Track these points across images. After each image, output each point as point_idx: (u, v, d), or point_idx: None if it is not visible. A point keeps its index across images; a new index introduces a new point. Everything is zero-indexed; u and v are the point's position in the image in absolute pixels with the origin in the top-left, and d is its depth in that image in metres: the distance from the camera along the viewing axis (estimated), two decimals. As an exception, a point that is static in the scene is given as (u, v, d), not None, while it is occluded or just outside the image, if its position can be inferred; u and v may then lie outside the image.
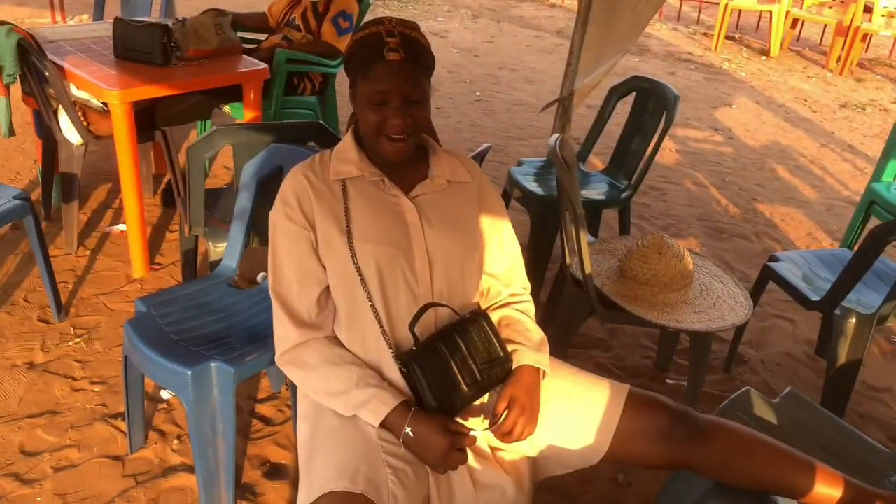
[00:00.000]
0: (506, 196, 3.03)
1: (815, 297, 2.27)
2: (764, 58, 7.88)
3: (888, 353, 2.82)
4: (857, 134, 5.63)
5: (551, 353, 1.55)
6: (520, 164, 3.19)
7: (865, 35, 7.60)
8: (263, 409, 2.22)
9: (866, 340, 2.17)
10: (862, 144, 5.39)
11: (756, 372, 2.63)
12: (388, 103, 1.37)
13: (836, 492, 1.41)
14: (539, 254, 2.86)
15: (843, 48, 7.56)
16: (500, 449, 1.46)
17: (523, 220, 2.98)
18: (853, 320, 2.17)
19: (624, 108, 3.17)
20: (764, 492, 1.47)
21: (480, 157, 2.23)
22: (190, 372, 1.64)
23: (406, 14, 8.25)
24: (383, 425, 1.35)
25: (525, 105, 5.50)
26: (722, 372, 2.60)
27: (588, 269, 2.09)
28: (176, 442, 2.07)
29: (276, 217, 1.45)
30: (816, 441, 1.65)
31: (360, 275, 1.39)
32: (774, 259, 2.52)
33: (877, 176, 3.19)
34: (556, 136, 2.33)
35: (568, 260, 2.28)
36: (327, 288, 1.44)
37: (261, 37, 3.74)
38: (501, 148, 4.55)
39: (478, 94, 5.70)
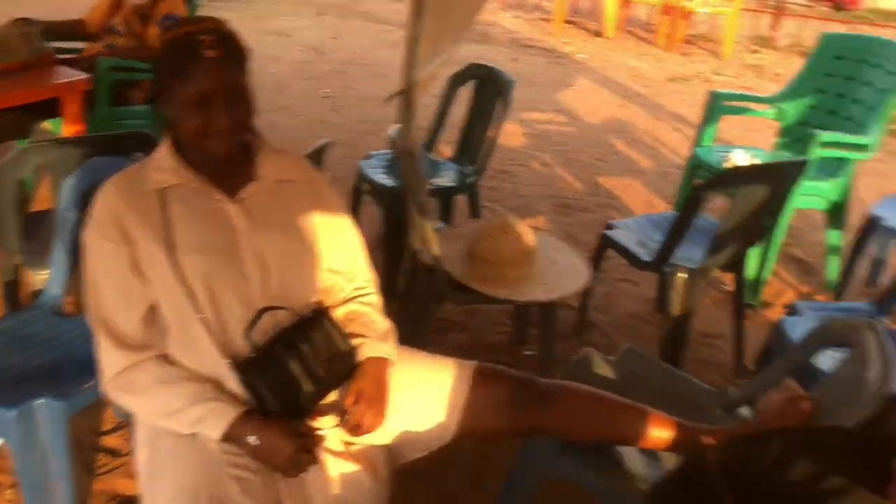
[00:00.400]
0: (357, 191, 3.02)
1: (647, 258, 2.43)
2: (600, 39, 8.31)
3: (719, 301, 3.06)
4: (685, 105, 6.06)
5: (409, 341, 1.57)
6: (368, 157, 3.19)
7: (688, 13, 8.19)
8: (109, 441, 2.09)
9: (696, 292, 2.35)
10: (689, 114, 5.81)
11: (605, 334, 2.78)
12: (210, 102, 1.33)
13: (669, 434, 1.52)
14: (394, 245, 2.87)
15: (669, 26, 8.12)
16: (352, 443, 1.46)
17: (377, 212, 2.99)
18: (682, 275, 2.34)
19: (469, 95, 3.24)
20: (608, 443, 1.57)
21: (318, 154, 2.21)
22: (13, 413, 1.51)
23: (245, 15, 8.02)
24: (226, 438, 1.32)
25: (375, 99, 5.50)
26: (574, 338, 2.73)
27: (436, 255, 2.12)
28: (9, 492, 1.90)
29: (90, 237, 1.37)
30: (653, 390, 1.76)
31: (187, 287, 1.34)
32: (611, 227, 2.67)
33: (699, 142, 3.45)
34: (395, 126, 2.35)
35: (417, 247, 2.31)
36: (153, 305, 1.38)
37: (82, 45, 3.51)
38: (353, 143, 4.53)
39: (326, 90, 5.64)
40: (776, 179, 2.29)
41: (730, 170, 2.86)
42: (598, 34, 8.47)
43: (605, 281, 3.12)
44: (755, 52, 8.34)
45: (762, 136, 4.05)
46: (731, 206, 2.25)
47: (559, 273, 2.26)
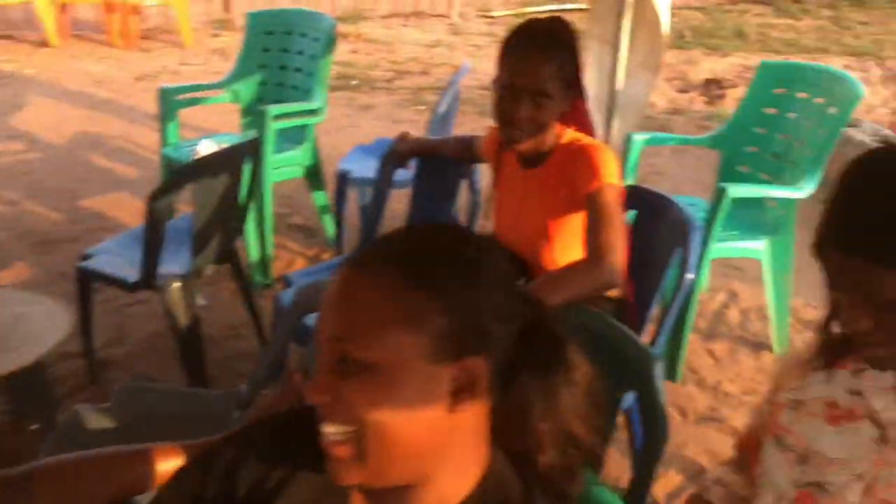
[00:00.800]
0: None
1: (135, 279, 2.26)
2: (47, 49, 7.47)
3: (234, 294, 3.03)
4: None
5: None
6: None
7: (135, 8, 7.85)
8: None
9: (194, 297, 2.28)
10: (166, 111, 5.64)
11: (126, 367, 2.55)
12: None
13: (178, 461, 1.42)
14: None
15: (120, 24, 7.69)
16: None
17: None
18: (175, 285, 2.24)
19: None
20: (117, 502, 1.40)
21: None
22: None
23: None
24: None
25: None
26: (91, 387, 2.44)
27: None
28: None
29: None
30: (162, 421, 1.64)
31: None
32: (87, 257, 2.41)
33: (165, 142, 3.33)
34: None
35: None
36: None
37: None
38: None
39: None
40: (232, 163, 2.31)
41: (179, 169, 2.82)
42: (43, 44, 7.59)
43: (111, 311, 2.84)
44: (216, 35, 8.46)
45: (236, 118, 4.11)
46: (195, 202, 2.21)
47: (31, 330, 1.95)
